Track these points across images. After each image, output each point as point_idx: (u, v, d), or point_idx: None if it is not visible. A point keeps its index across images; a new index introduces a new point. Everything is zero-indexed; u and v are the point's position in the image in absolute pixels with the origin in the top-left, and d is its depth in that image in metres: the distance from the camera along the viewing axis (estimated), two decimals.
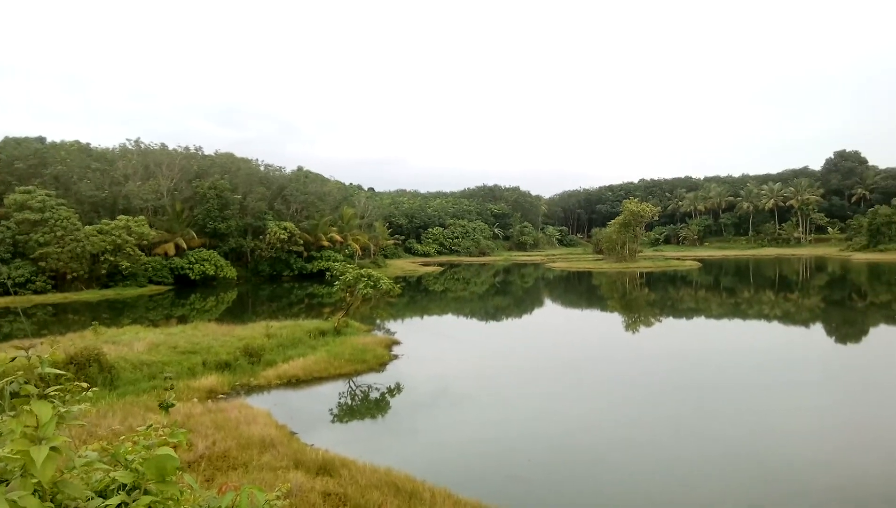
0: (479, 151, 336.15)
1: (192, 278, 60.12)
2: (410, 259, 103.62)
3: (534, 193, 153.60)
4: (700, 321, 37.93)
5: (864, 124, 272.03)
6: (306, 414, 17.33)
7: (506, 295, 55.42)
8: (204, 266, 61.12)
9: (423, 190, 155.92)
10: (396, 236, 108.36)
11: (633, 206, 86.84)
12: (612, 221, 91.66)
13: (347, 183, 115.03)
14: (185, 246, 61.84)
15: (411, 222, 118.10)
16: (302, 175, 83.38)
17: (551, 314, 43.52)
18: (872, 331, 32.89)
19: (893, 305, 42.04)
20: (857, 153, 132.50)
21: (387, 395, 19.26)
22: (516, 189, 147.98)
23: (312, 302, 48.38)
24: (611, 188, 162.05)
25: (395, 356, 24.74)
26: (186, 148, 75.49)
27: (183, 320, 34.66)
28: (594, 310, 46.22)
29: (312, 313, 37.34)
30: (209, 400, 16.83)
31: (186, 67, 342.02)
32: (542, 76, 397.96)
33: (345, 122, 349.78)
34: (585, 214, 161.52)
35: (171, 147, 74.21)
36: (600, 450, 14.23)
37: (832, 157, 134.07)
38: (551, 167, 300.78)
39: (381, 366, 22.85)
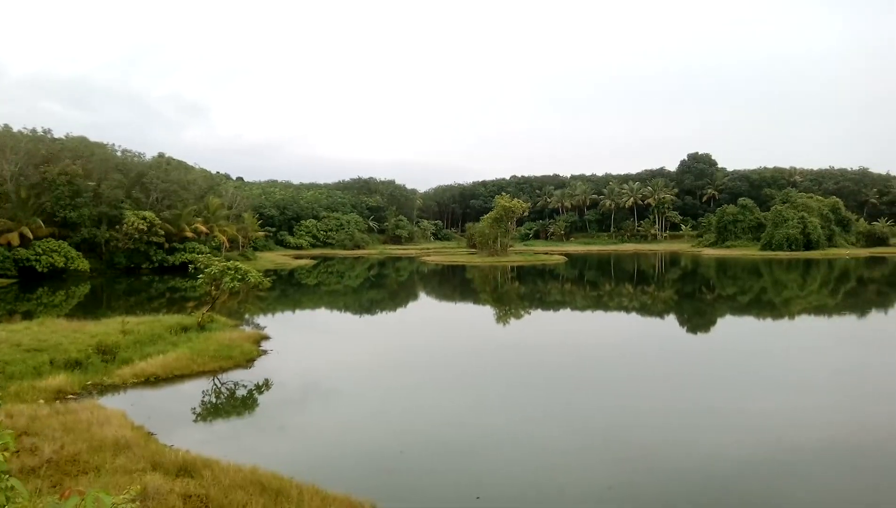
0: (355, 142, 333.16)
1: (40, 270, 55.21)
2: (282, 252, 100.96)
3: (409, 186, 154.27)
4: (566, 313, 39.55)
5: (715, 128, 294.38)
6: (166, 414, 16.33)
7: (380, 289, 55.27)
8: (52, 258, 56.27)
9: (295, 181, 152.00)
10: (267, 227, 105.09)
11: (505, 202, 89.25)
12: (485, 216, 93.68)
13: (214, 172, 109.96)
14: (31, 236, 56.62)
15: (283, 213, 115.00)
16: (164, 162, 78.75)
17: (425, 308, 43.83)
18: (720, 321, 35.69)
19: (738, 297, 45.83)
20: (708, 156, 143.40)
21: (254, 392, 18.57)
22: (392, 182, 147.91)
23: (175, 296, 45.94)
24: (484, 184, 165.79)
25: (265, 352, 23.92)
26: (33, 130, 69.20)
27: (28, 315, 31.75)
28: (467, 303, 47.06)
29: (175, 308, 35.45)
30: (57, 401, 15.48)
31: (32, 42, 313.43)
32: (418, 69, 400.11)
33: (213, 107, 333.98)
34: (460, 208, 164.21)
35: (15, 129, 67.78)
36: (471, 441, 14.40)
37: (686, 159, 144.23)
38: (426, 161, 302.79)
39: (248, 362, 21.99)
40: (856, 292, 48.78)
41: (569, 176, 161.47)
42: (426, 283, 62.16)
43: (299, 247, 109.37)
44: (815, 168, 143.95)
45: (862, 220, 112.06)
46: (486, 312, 40.50)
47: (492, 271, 71.51)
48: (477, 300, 47.26)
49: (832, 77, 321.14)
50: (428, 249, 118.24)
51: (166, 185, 72.52)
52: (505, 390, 19.14)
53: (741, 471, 12.43)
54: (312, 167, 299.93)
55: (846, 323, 34.75)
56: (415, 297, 51.21)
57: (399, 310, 42.82)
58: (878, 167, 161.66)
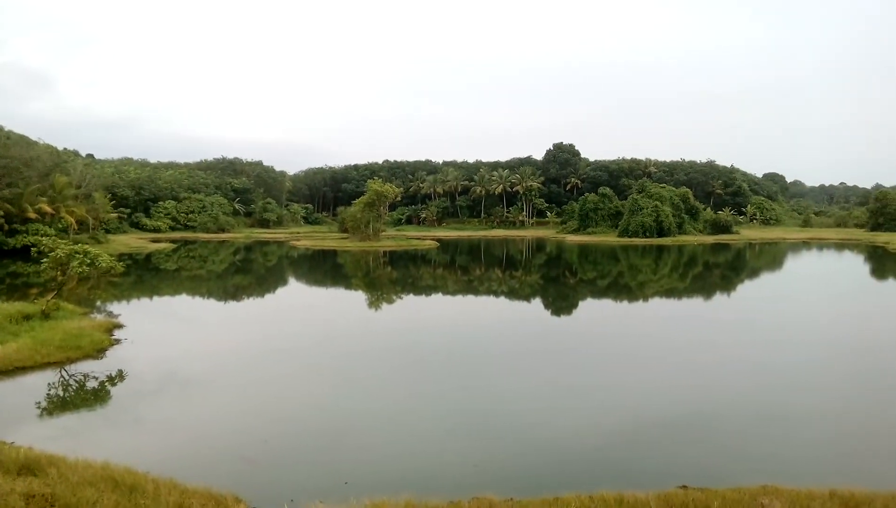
0: (219, 120, 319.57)
1: None
2: (138, 235, 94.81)
3: (278, 168, 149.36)
4: (438, 298, 39.88)
5: (579, 120, 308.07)
6: (6, 409, 14.83)
7: (247, 274, 53.18)
8: None
9: (153, 159, 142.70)
10: (121, 209, 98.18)
11: (378, 186, 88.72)
12: (358, 200, 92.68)
13: (62, 148, 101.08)
14: None
15: (139, 194, 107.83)
16: (2, 136, 71.45)
17: (294, 293, 42.69)
18: (582, 304, 37.35)
19: (598, 281, 48.19)
20: (571, 146, 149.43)
21: (106, 384, 17.21)
22: (259, 163, 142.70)
23: (16, 282, 41.87)
24: (356, 168, 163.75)
25: (118, 341, 22.30)
26: None
27: None
28: (338, 288, 46.34)
29: (16, 295, 32.33)
30: None
31: None
32: (286, 46, 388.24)
33: (60, 78, 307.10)
34: (331, 192, 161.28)
35: None
36: (340, 427, 14.15)
37: (551, 148, 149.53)
38: (297, 143, 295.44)
39: (99, 352, 20.39)
40: (702, 276, 52.76)
41: (441, 162, 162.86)
42: (296, 268, 60.59)
43: (157, 230, 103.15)
44: (668, 160, 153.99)
45: (709, 209, 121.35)
46: (358, 297, 40.06)
47: (364, 255, 70.94)
48: (348, 285, 46.65)
49: (684, 77, 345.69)
50: (298, 233, 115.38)
51: (5, 161, 65.70)
52: (375, 375, 18.97)
53: (602, 444, 13.04)
54: (172, 145, 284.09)
55: (694, 304, 37.46)
56: (283, 282, 49.77)
57: (267, 296, 41.44)
58: (723, 160, 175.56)
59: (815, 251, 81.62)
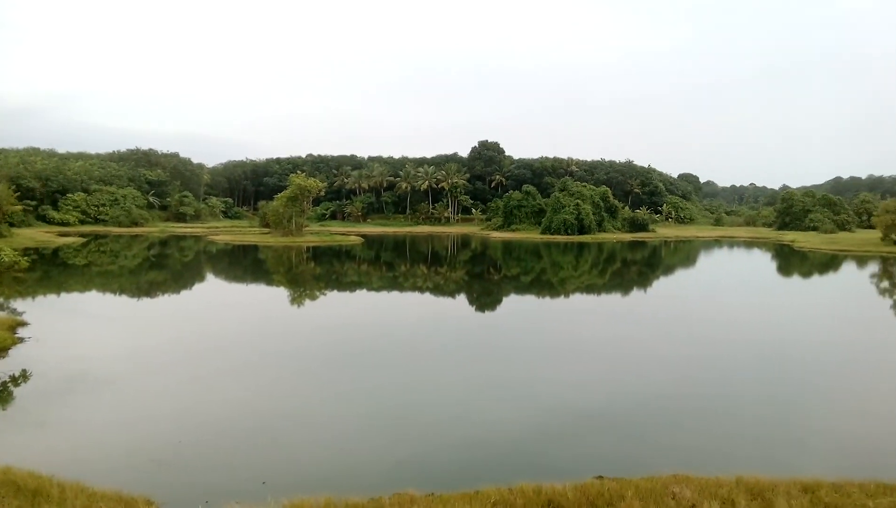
0: (132, 111, 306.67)
1: None
2: (45, 228, 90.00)
3: (196, 161, 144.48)
4: (363, 294, 39.54)
5: (504, 118, 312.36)
6: None
7: (162, 270, 51.29)
8: None
9: (61, 149, 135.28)
10: (26, 201, 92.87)
11: (301, 180, 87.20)
12: (280, 194, 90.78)
13: None
14: None
15: (46, 185, 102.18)
16: None
17: (212, 290, 41.45)
18: (505, 300, 37.82)
19: (521, 277, 48.94)
20: (496, 144, 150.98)
21: (9, 384, 16.26)
22: (175, 155, 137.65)
23: None
24: (278, 161, 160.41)
25: (21, 340, 21.10)
26: None
27: None
28: (259, 285, 45.30)
29: None
30: None
31: None
32: (207, 33, 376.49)
33: None
34: (252, 186, 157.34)
35: None
36: (258, 427, 13.86)
37: (477, 146, 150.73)
38: (216, 135, 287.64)
39: (1, 351, 19.21)
40: (621, 272, 54.38)
41: (367, 157, 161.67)
42: (215, 264, 58.86)
43: (66, 223, 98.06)
44: (589, 159, 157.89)
45: (627, 207, 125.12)
46: (280, 293, 39.27)
47: (286, 251, 69.61)
48: (270, 282, 45.67)
49: (606, 79, 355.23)
50: (217, 227, 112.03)
51: None
52: (295, 373, 18.67)
53: (522, 437, 13.25)
54: (82, 135, 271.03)
55: (612, 300, 38.56)
56: (201, 278, 48.24)
57: (183, 293, 40.06)
58: (640, 161, 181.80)
59: (726, 249, 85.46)
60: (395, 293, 40.17)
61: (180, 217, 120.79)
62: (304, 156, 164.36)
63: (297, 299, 35.80)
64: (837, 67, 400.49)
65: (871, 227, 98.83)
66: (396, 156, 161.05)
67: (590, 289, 42.62)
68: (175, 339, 23.71)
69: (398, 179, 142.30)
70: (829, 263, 61.57)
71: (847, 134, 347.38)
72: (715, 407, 15.58)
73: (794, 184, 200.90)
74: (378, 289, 41.50)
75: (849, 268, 57.07)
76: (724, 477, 9.89)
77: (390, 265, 57.76)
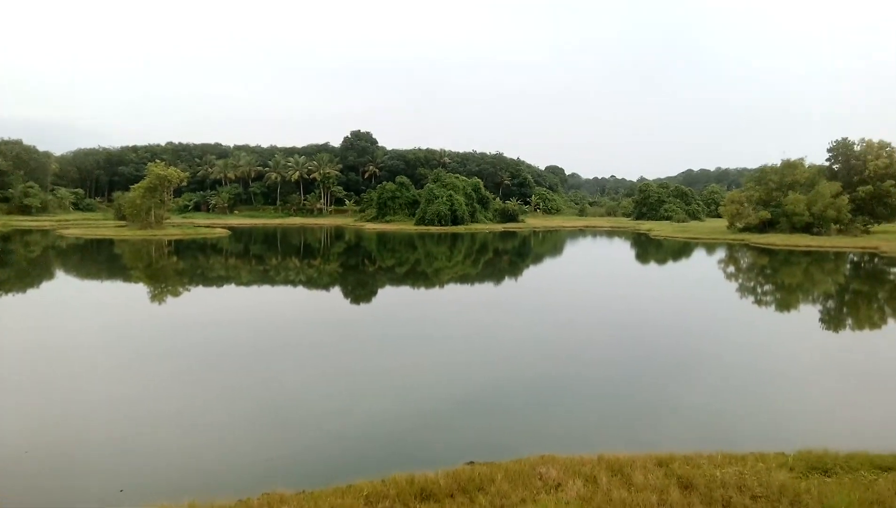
0: None
1: None
2: None
3: (42, 148, 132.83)
4: (230, 289, 37.97)
5: (376, 108, 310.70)
6: None
7: (3, 267, 46.77)
8: None
9: None
10: None
11: (160, 170, 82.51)
12: (137, 185, 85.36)
13: None
14: None
15: None
16: None
17: (62, 288, 38.27)
18: (380, 291, 37.61)
19: (396, 268, 48.92)
20: (369, 134, 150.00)
21: None
22: (18, 142, 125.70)
23: None
24: (135, 149, 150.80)
25: None
26: None
27: None
28: (116, 281, 42.34)
29: None
30: None
31: None
32: (42, 9, 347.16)
33: None
34: (106, 176, 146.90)
35: None
36: (112, 432, 12.90)
37: (349, 136, 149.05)
38: (64, 121, 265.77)
39: None
40: (493, 261, 55.69)
41: (233, 146, 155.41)
42: (65, 259, 54.40)
43: None
44: (461, 151, 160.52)
45: (498, 199, 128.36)
46: (139, 291, 36.92)
47: (145, 245, 65.64)
48: (127, 278, 42.84)
49: (476, 72, 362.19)
50: (67, 220, 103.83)
51: None
52: (155, 374, 17.57)
53: (395, 428, 13.18)
54: None
55: (485, 289, 39.38)
56: (49, 276, 44.43)
57: (29, 292, 36.69)
58: (510, 153, 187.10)
59: (590, 238, 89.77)
60: (265, 288, 38.90)
61: (25, 210, 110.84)
62: (163, 144, 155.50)
63: (158, 297, 33.79)
64: (688, 65, 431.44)
65: (719, 216, 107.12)
66: (265, 145, 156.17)
67: (464, 279, 43.30)
68: (19, 342, 21.62)
69: (267, 169, 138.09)
70: (681, 250, 66.15)
71: (697, 129, 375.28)
72: (581, 389, 16.23)
73: (651, 176, 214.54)
74: (248, 284, 40.01)
75: (699, 254, 61.62)
76: (587, 456, 10.28)
77: (260, 259, 55.91)
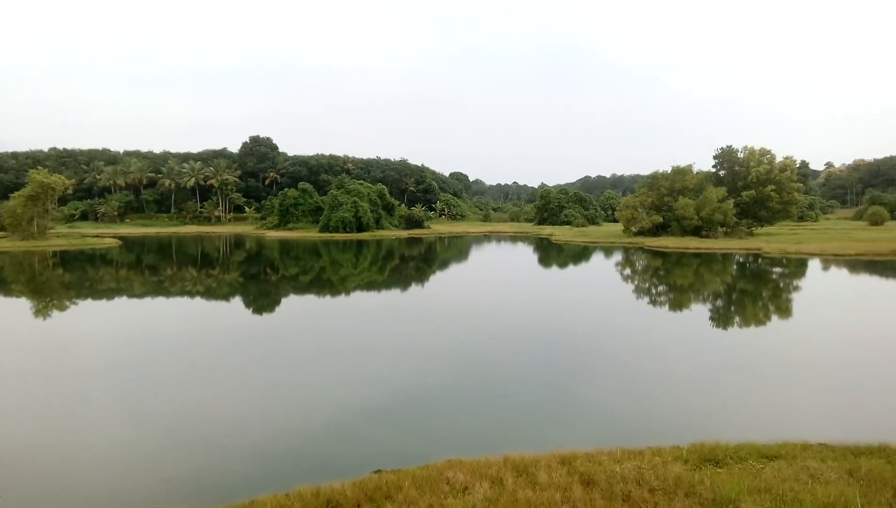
0: None
1: None
2: None
3: None
4: (122, 302, 36.04)
5: (277, 113, 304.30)
6: None
7: None
8: None
9: None
10: None
11: (43, 177, 77.55)
12: (17, 193, 79.84)
13: None
14: None
15: None
16: None
17: None
18: (284, 301, 36.72)
19: (300, 277, 47.94)
20: (269, 139, 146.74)
21: None
22: None
23: None
24: (15, 155, 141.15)
25: None
26: None
27: None
28: None
29: None
30: None
31: None
32: None
33: None
34: None
35: None
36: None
37: (248, 141, 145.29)
38: None
39: None
40: (399, 268, 55.57)
41: (122, 152, 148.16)
42: None
43: None
44: (365, 157, 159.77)
45: (403, 205, 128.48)
46: (21, 305, 34.43)
47: (27, 257, 61.43)
48: (8, 292, 39.87)
49: (380, 80, 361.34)
50: None
51: None
52: (46, 392, 16.37)
53: (301, 441, 12.87)
54: None
55: (392, 296, 39.19)
56: None
57: None
58: (414, 159, 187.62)
59: (494, 243, 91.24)
60: (160, 299, 37.15)
61: None
62: (46, 150, 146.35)
63: (42, 312, 31.61)
64: (584, 76, 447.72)
65: (615, 220, 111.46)
66: (157, 150, 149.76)
67: (370, 286, 42.95)
68: None
69: (160, 175, 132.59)
70: (581, 253, 68.32)
71: (594, 138, 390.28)
72: (488, 393, 16.37)
73: (551, 182, 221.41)
74: (141, 296, 38.09)
75: (598, 258, 63.84)
76: (493, 458, 10.36)
77: (154, 269, 53.43)
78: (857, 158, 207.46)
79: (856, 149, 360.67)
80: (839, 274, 47.14)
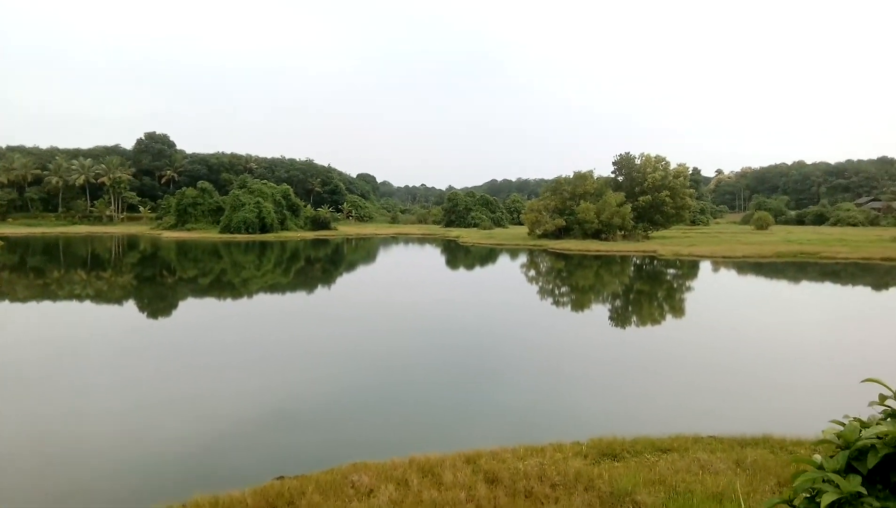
0: None
1: None
2: None
3: None
4: (2, 306, 33.57)
5: (173, 111, 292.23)
6: None
7: None
8: None
9: None
10: None
11: None
12: None
13: None
14: None
15: None
16: None
17: None
18: (181, 304, 35.26)
19: (199, 279, 46.21)
20: (165, 136, 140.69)
21: None
22: None
23: None
24: None
25: None
26: None
27: None
28: None
29: None
30: None
31: None
32: None
33: None
34: None
35: None
36: None
37: (143, 138, 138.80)
38: None
39: None
40: (305, 270, 54.56)
41: (5, 147, 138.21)
42: None
43: None
44: (269, 156, 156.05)
45: (309, 206, 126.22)
46: None
47: None
48: None
49: (281, 77, 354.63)
50: None
51: None
52: None
53: (197, 450, 12.43)
54: None
55: (297, 298, 38.42)
56: None
57: None
58: (321, 160, 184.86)
59: (402, 245, 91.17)
60: (46, 303, 34.86)
61: None
62: None
63: None
64: (490, 81, 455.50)
65: (521, 223, 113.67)
66: (44, 146, 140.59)
67: (274, 288, 41.92)
68: None
69: (47, 172, 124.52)
70: (488, 255, 69.29)
71: (500, 142, 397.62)
72: (394, 396, 16.29)
73: (459, 185, 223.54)
74: (24, 300, 35.61)
75: (504, 260, 64.93)
76: (398, 460, 10.31)
77: (40, 272, 50.09)
78: (744, 166, 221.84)
79: (743, 157, 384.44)
80: (727, 275, 50.05)
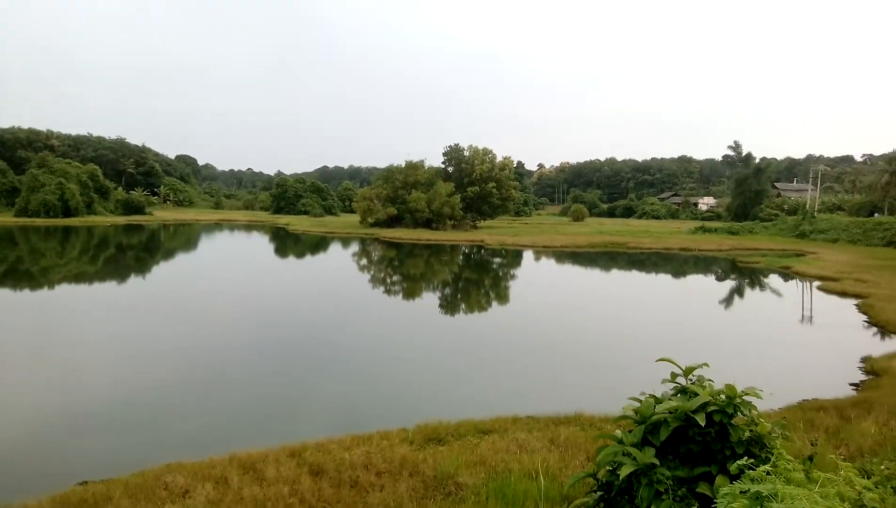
0: None
1: None
2: None
3: None
4: None
5: None
6: None
7: None
8: None
9: None
10: None
11: None
12: None
13: None
14: None
15: None
16: None
17: None
18: None
19: None
20: None
21: None
22: None
23: None
24: None
25: None
26: None
27: None
28: None
29: None
30: None
31: None
32: None
33: None
34: None
35: None
36: None
37: None
38: None
39: None
40: (116, 258, 50.43)
41: None
42: None
43: None
44: (74, 134, 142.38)
45: (120, 189, 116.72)
46: None
47: None
48: None
49: (94, 43, 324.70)
50: None
51: None
52: None
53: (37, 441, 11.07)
54: None
55: (106, 288, 35.43)
56: None
57: None
58: (134, 138, 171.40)
59: (227, 232, 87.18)
60: None
61: None
62: None
63: None
64: (319, 65, 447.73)
65: (353, 211, 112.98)
66: None
67: (80, 278, 38.32)
68: None
69: None
70: (319, 243, 68.21)
71: (331, 128, 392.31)
72: (215, 391, 15.52)
73: (288, 171, 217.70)
74: None
75: (336, 248, 64.26)
76: (217, 458, 9.84)
77: None
78: (563, 161, 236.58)
79: (562, 154, 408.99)
80: (547, 264, 53.17)
